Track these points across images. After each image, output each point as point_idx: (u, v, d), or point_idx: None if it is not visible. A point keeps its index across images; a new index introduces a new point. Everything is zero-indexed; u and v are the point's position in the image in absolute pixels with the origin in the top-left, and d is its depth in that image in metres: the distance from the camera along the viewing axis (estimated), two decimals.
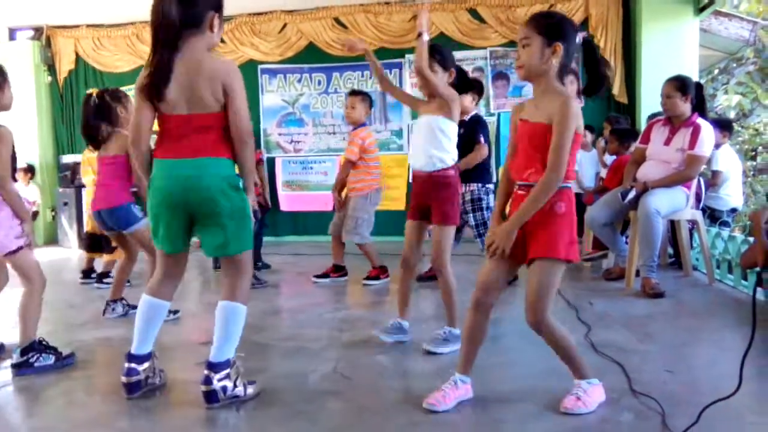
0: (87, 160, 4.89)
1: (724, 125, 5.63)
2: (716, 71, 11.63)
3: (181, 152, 2.16)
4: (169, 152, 2.19)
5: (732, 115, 10.81)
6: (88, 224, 4.82)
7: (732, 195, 5.44)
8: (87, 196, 4.72)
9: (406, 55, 7.13)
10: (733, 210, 5.55)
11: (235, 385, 2.23)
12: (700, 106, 4.11)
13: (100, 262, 4.86)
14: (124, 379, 2.31)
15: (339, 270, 4.71)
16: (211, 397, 2.20)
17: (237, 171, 2.27)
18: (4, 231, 2.65)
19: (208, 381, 2.19)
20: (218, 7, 2.21)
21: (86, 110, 3.61)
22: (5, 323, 3.50)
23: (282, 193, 7.50)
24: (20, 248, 2.69)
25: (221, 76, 2.13)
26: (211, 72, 2.13)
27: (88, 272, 4.87)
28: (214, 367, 2.20)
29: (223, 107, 2.16)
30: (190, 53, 2.13)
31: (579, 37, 2.06)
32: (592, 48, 2.16)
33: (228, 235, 2.20)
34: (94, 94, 3.62)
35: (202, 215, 2.20)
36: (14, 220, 2.68)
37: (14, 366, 2.65)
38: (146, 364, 2.35)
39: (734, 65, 10.94)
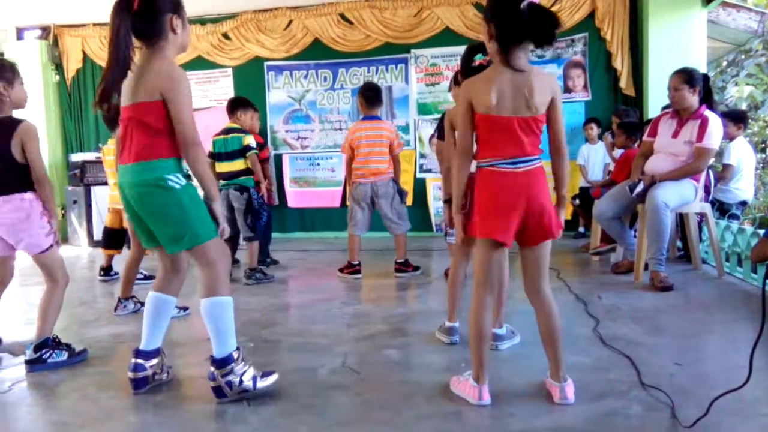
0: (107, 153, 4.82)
1: (737, 117, 5.56)
2: (725, 63, 11.54)
3: (121, 157, 2.26)
4: (120, 155, 2.30)
5: (744, 106, 10.72)
6: (107, 219, 4.83)
7: (742, 188, 5.38)
8: (111, 189, 4.71)
9: (412, 50, 7.12)
10: (743, 203, 5.50)
11: (241, 380, 2.23)
12: (707, 98, 4.08)
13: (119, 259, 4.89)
14: (130, 374, 2.33)
15: (407, 265, 4.72)
16: (218, 392, 2.22)
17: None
18: (37, 230, 2.67)
19: (213, 377, 2.22)
20: (175, 8, 2.22)
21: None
22: (6, 319, 3.53)
23: (289, 189, 7.52)
24: (51, 246, 2.71)
25: (157, 82, 2.13)
26: (150, 74, 2.14)
27: (107, 269, 4.90)
28: (217, 363, 2.22)
29: (152, 105, 2.15)
30: (150, 57, 2.18)
31: (524, 5, 1.96)
32: (537, 7, 2.02)
33: (168, 234, 2.22)
34: None
35: (143, 218, 2.26)
36: (44, 219, 2.70)
37: (28, 362, 2.68)
38: (154, 361, 2.38)
39: (743, 57, 10.85)
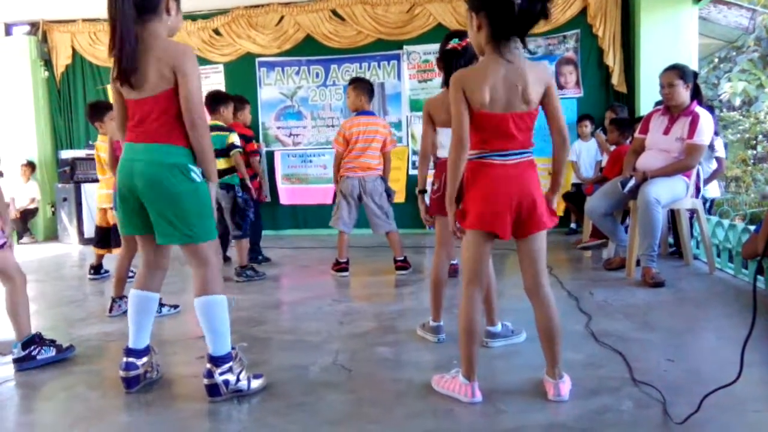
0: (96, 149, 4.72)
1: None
2: (716, 60, 11.58)
3: (137, 136, 2.19)
4: (129, 136, 2.23)
5: (738, 102, 10.76)
6: (97, 218, 4.79)
7: (708, 189, 5.30)
8: (100, 188, 4.66)
9: (404, 47, 7.10)
10: (711, 201, 5.42)
11: (238, 379, 2.23)
12: (696, 95, 4.09)
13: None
14: (122, 373, 2.31)
15: (407, 261, 4.69)
16: (213, 390, 2.20)
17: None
18: None
19: (210, 375, 2.20)
20: None
21: None
22: None
23: (281, 186, 7.49)
24: (0, 248, 2.66)
25: (171, 58, 2.10)
26: (161, 53, 2.10)
27: (97, 268, 4.86)
28: (215, 360, 2.20)
29: (173, 92, 2.13)
30: (147, 37, 2.12)
31: None
32: None
33: (172, 223, 2.18)
34: None
35: (148, 201, 2.19)
36: None
37: (16, 360, 2.65)
38: (145, 359, 2.36)
39: (734, 53, 10.90)
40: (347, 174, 4.58)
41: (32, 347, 2.67)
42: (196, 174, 2.18)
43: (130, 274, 3.87)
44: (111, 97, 6.34)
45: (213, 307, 2.22)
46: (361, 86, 4.63)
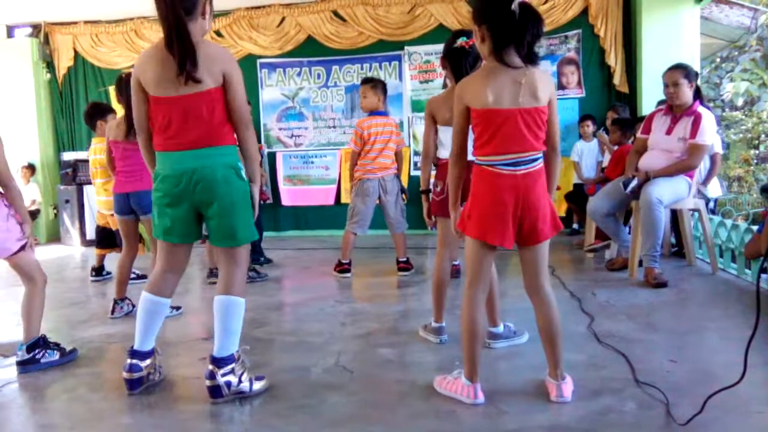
0: (94, 152, 4.70)
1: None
2: (718, 59, 11.56)
3: (179, 145, 2.16)
4: (170, 144, 2.19)
5: (740, 102, 10.74)
6: (98, 219, 4.80)
7: (708, 188, 5.29)
8: (97, 193, 4.67)
9: (405, 47, 7.10)
10: (715, 201, 5.39)
11: (240, 381, 2.23)
12: (697, 95, 4.08)
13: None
14: (126, 374, 2.31)
15: (409, 263, 4.68)
16: (215, 392, 2.20)
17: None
18: (4, 233, 2.64)
19: (212, 376, 2.19)
20: None
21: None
22: None
23: (283, 187, 7.48)
24: (21, 249, 2.68)
25: (219, 62, 2.13)
26: (211, 56, 2.12)
27: (99, 270, 4.87)
28: (217, 362, 2.20)
29: (220, 91, 2.15)
30: None
31: (515, 5, 1.93)
32: (527, 6, 1.99)
33: (235, 224, 2.21)
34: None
35: (208, 207, 2.20)
36: (13, 221, 2.66)
37: (20, 363, 2.66)
38: (148, 361, 2.35)
39: (736, 53, 10.88)
40: (367, 176, 4.56)
41: (36, 350, 2.68)
42: (244, 172, 2.24)
43: (132, 276, 3.88)
44: (113, 99, 6.37)
45: (232, 307, 2.25)
46: (381, 86, 4.60)
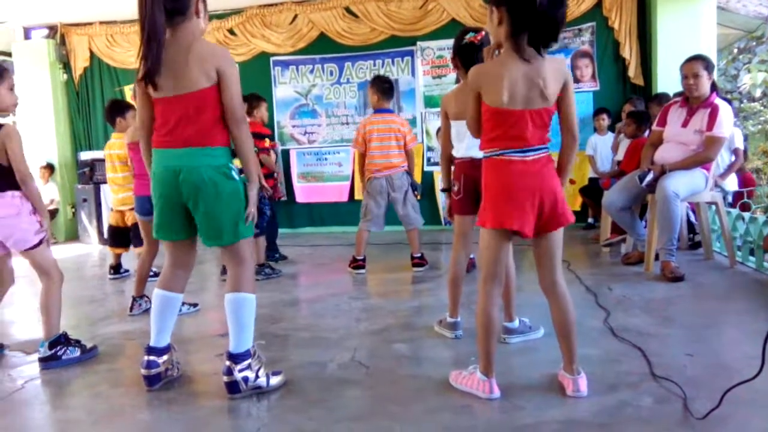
0: (111, 147, 4.75)
1: None
2: (736, 50, 11.39)
3: (173, 142, 2.19)
4: (161, 141, 2.23)
5: (758, 93, 10.58)
6: (111, 218, 4.85)
7: (726, 182, 5.21)
8: (111, 191, 4.72)
9: (418, 43, 7.08)
10: (733, 194, 5.32)
11: (257, 376, 2.25)
12: (713, 86, 4.03)
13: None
14: (144, 371, 2.34)
15: (423, 258, 4.69)
16: (232, 387, 2.23)
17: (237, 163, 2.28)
18: (26, 226, 2.70)
19: (229, 372, 2.22)
20: None
21: None
22: (8, 322, 3.56)
23: (297, 184, 7.52)
24: (40, 243, 2.73)
25: (213, 59, 2.14)
26: (203, 55, 2.13)
27: (117, 267, 4.93)
28: (234, 358, 2.23)
29: (215, 90, 2.15)
30: (179, 38, 2.14)
31: None
32: None
33: (221, 225, 2.22)
34: None
35: (195, 206, 2.22)
36: (33, 216, 2.72)
37: (42, 360, 2.71)
38: (165, 357, 2.39)
39: (754, 43, 10.71)
40: (374, 175, 4.61)
41: (58, 347, 2.73)
42: (235, 172, 2.24)
43: (152, 273, 3.92)
44: (129, 98, 6.43)
45: (242, 304, 2.28)
46: (377, 85, 4.67)
